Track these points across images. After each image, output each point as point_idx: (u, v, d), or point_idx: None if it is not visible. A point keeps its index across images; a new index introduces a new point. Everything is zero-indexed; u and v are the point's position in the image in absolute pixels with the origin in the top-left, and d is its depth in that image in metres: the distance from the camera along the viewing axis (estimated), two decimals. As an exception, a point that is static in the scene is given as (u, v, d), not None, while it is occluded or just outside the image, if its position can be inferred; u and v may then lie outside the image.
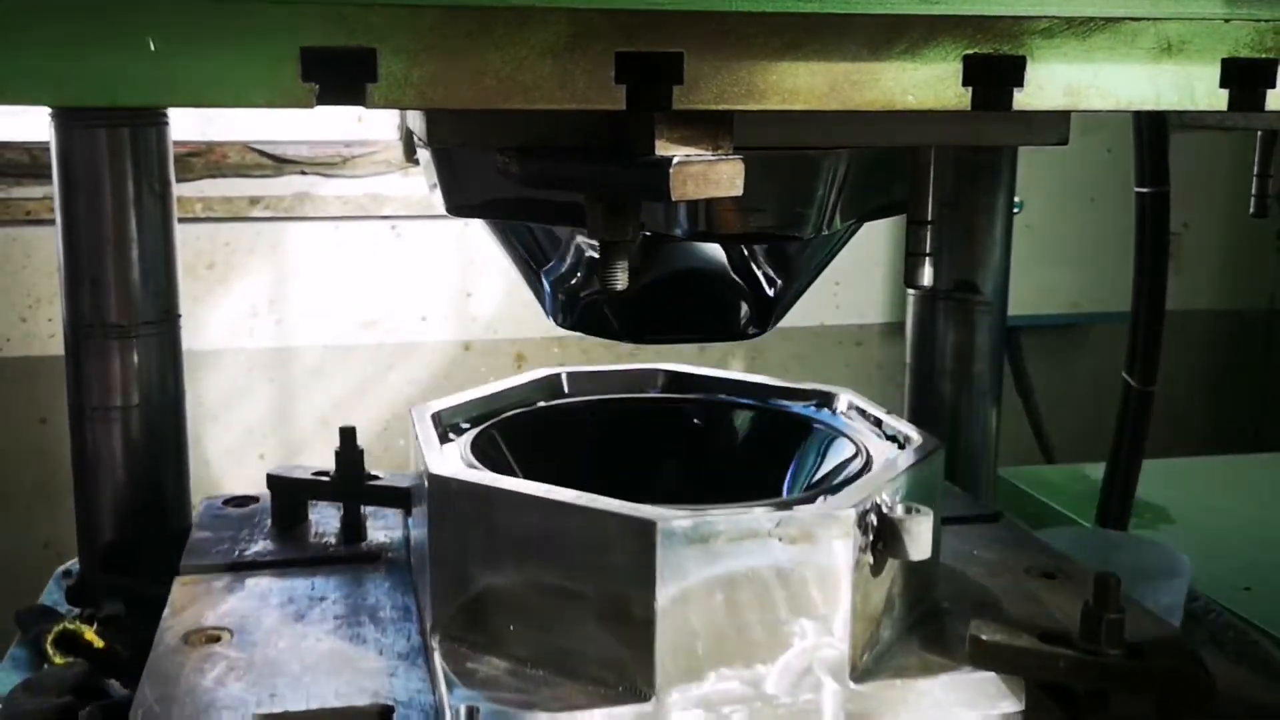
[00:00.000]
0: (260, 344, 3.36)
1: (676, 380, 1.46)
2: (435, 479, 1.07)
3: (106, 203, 1.36)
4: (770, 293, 1.27)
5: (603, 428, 1.38)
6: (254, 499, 1.47)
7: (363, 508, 1.38)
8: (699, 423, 1.40)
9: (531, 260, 1.31)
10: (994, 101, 0.88)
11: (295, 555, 1.31)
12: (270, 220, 3.30)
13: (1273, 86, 0.92)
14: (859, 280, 3.61)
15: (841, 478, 1.17)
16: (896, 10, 0.85)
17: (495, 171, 1.02)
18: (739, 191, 0.90)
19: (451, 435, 1.23)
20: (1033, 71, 0.88)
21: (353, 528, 1.36)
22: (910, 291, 1.81)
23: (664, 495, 1.04)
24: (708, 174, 0.87)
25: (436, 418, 1.23)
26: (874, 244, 3.55)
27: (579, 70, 0.81)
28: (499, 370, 3.48)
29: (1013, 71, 0.87)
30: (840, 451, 1.25)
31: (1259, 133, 1.67)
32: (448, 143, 1.02)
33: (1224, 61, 0.91)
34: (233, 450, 3.36)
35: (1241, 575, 1.92)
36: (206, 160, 3.26)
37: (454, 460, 1.13)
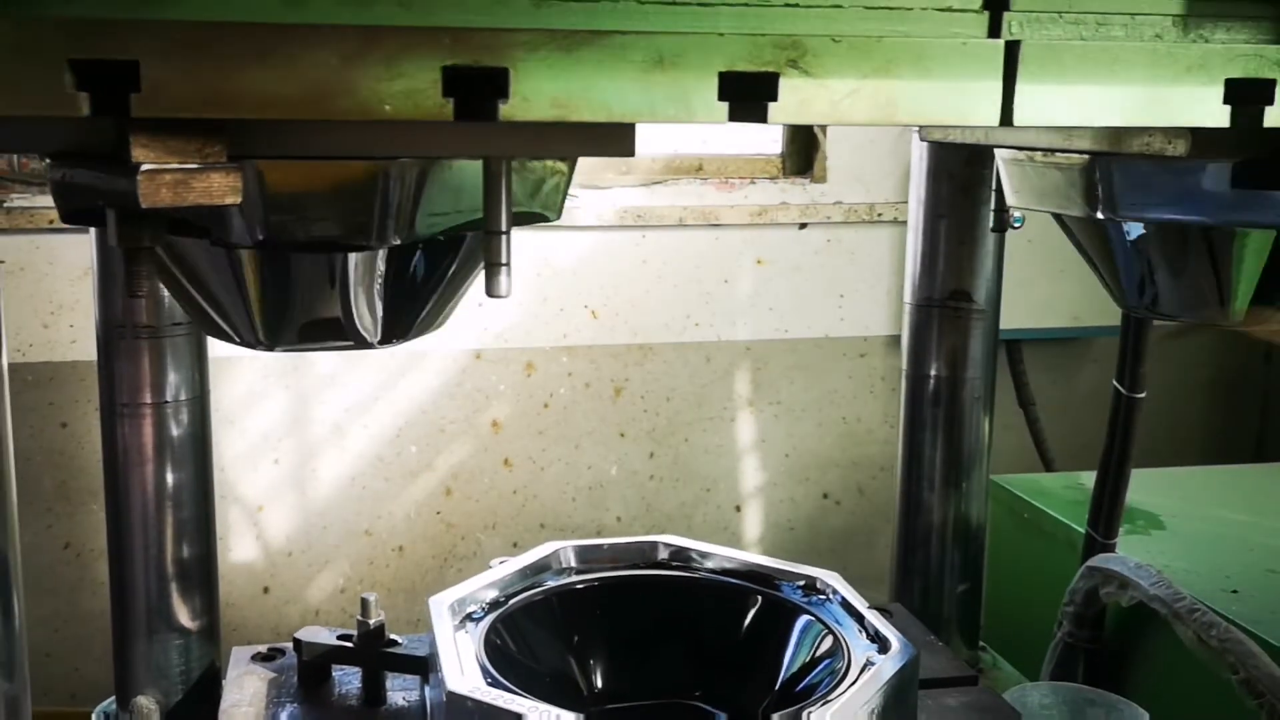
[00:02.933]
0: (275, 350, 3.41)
1: (676, 555, 1.57)
2: (453, 696, 1.19)
3: (138, 209, 1.43)
4: (404, 302, 1.23)
5: (604, 610, 1.50)
6: (280, 651, 1.56)
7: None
8: (695, 607, 1.52)
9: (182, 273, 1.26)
10: (477, 113, 0.87)
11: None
12: (287, 230, 3.35)
13: (774, 99, 0.91)
14: (863, 293, 3.65)
15: (822, 680, 1.31)
16: (366, 21, 0.85)
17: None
18: (236, 200, 0.90)
19: (467, 623, 1.36)
20: (517, 83, 0.87)
21: (373, 690, 1.46)
22: (908, 302, 1.87)
23: (662, 676, 1.20)
24: (190, 182, 0.87)
25: (453, 608, 1.36)
26: (879, 258, 3.60)
27: (32, 77, 0.80)
28: (509, 378, 3.54)
29: (494, 83, 0.87)
30: (822, 644, 1.38)
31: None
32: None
33: (721, 75, 0.90)
34: (248, 455, 3.42)
35: (1229, 579, 1.96)
36: (225, 171, 3.33)
37: (471, 668, 1.24)
